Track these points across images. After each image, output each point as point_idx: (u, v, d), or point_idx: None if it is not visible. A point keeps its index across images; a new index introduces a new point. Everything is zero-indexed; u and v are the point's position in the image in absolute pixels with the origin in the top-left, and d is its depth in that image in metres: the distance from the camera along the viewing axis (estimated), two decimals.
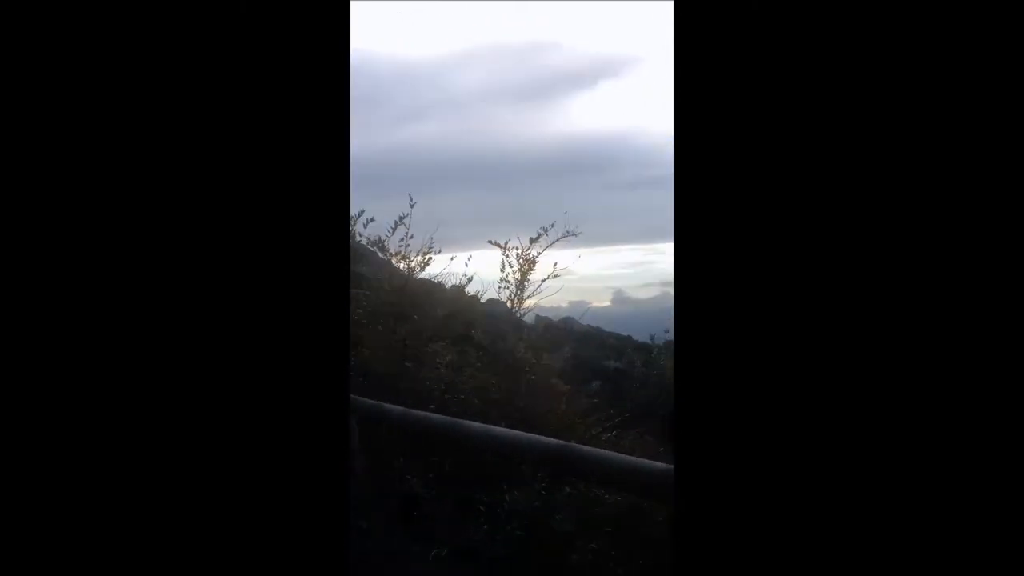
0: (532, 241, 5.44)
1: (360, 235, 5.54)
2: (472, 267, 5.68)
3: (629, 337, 8.33)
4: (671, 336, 6.54)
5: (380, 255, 5.62)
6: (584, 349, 7.87)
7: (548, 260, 5.45)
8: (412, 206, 5.39)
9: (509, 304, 5.69)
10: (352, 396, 3.27)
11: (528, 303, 5.43)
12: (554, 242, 5.36)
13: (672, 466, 2.34)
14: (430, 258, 5.47)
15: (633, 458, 2.57)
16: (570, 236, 5.32)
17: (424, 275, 5.63)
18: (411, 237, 5.38)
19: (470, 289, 5.83)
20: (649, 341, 6.96)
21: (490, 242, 5.50)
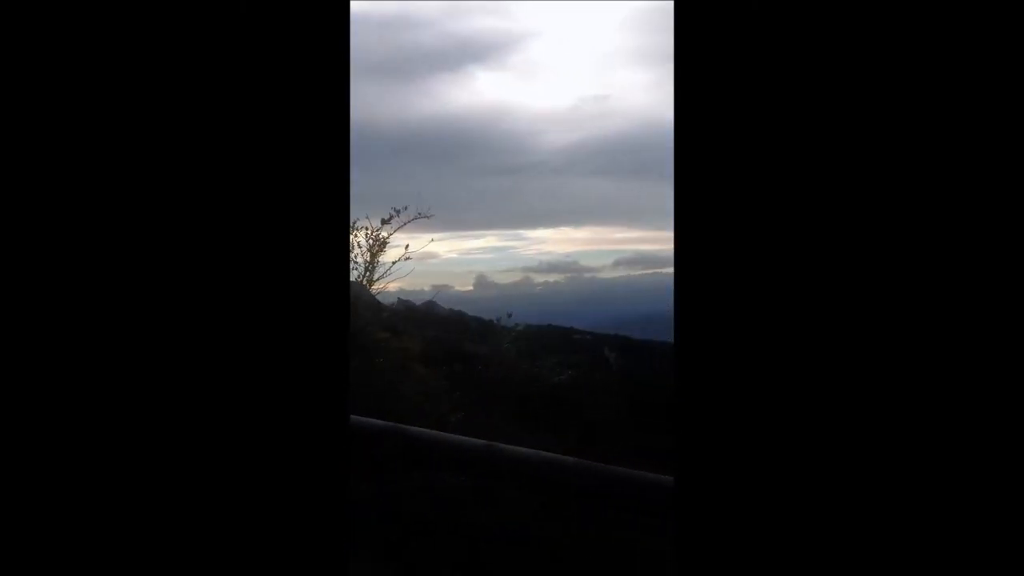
0: (383, 222, 5.33)
1: None
2: None
3: (491, 321, 8.37)
4: (516, 319, 6.63)
5: None
6: (446, 332, 7.81)
7: (404, 242, 5.37)
8: None
9: (369, 286, 5.57)
10: None
11: (379, 285, 5.33)
12: (405, 224, 5.29)
13: (490, 443, 2.34)
14: None
15: (461, 437, 2.56)
16: (422, 218, 5.26)
17: None
18: None
19: None
20: (495, 321, 7.01)
21: None
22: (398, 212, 5.29)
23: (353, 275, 5.44)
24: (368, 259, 5.27)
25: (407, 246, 5.39)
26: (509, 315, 6.29)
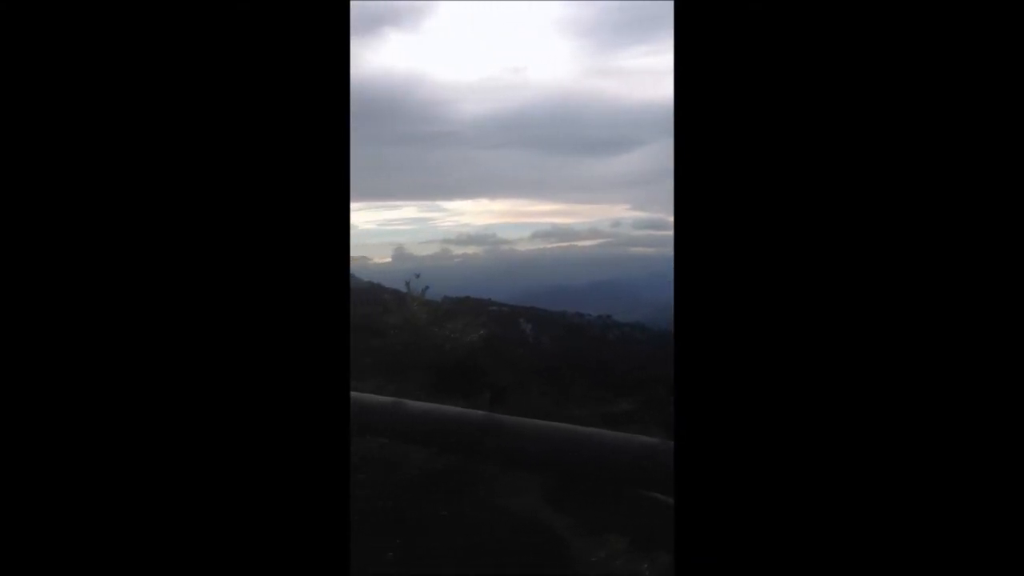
0: None
1: None
2: None
3: (407, 293, 8.44)
4: (435, 292, 6.69)
5: None
6: (363, 306, 7.83)
7: None
8: None
9: None
10: None
11: None
12: None
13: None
14: None
15: (366, 394, 2.67)
16: None
17: None
18: None
19: None
20: (409, 291, 7.05)
21: None
22: None
23: None
24: None
25: None
26: (426, 288, 6.32)
